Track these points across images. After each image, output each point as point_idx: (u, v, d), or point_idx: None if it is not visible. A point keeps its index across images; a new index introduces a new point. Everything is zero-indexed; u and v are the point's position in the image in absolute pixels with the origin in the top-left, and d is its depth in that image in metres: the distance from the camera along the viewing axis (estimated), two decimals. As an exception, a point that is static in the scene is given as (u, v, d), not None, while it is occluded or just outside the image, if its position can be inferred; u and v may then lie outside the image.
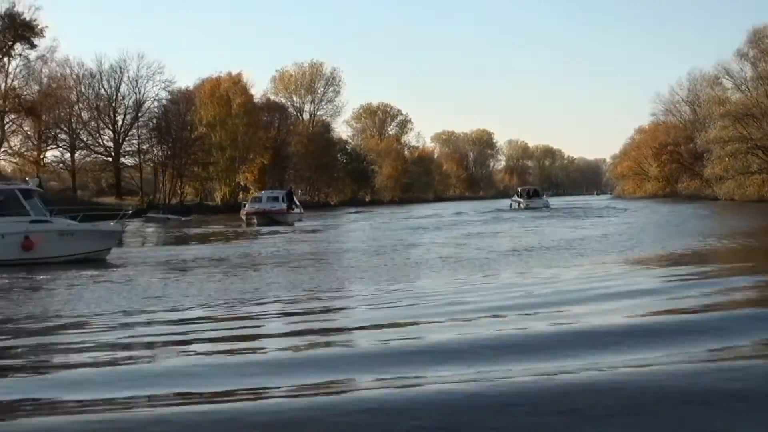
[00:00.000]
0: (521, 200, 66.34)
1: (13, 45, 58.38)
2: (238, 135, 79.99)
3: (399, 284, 13.04)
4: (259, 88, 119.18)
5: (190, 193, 80.00)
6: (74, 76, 70.45)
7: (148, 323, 9.46)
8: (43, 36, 60.00)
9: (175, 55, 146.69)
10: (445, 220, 45.02)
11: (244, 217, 48.58)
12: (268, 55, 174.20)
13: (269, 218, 45.22)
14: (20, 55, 60.43)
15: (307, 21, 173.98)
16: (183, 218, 53.37)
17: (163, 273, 16.73)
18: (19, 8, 57.51)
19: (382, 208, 79.41)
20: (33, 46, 60.21)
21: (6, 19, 57.69)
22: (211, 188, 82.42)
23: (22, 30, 58.20)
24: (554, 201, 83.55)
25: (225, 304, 11.28)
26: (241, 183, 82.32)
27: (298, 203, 53.55)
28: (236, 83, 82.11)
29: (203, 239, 32.36)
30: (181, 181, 76.70)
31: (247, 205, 50.36)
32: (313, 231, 36.93)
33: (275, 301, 11.44)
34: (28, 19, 58.21)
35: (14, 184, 22.03)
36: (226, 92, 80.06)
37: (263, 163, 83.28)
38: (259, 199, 50.21)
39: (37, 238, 19.64)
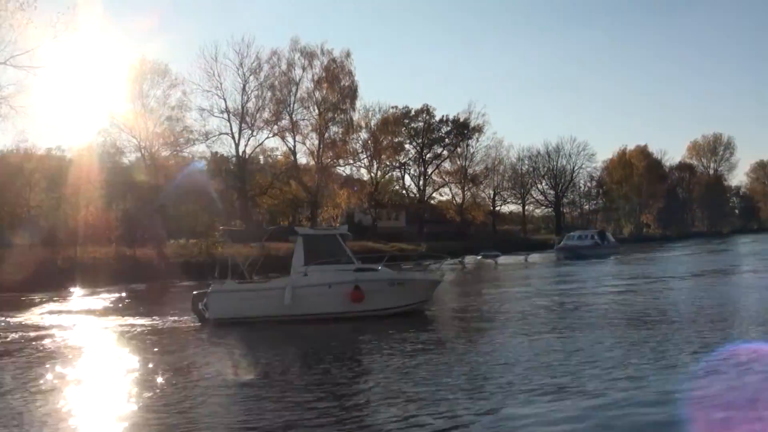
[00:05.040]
0: None
1: (460, 141, 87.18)
2: (641, 188, 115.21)
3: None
4: (673, 154, 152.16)
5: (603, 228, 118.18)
6: (518, 155, 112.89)
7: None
8: (483, 133, 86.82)
9: (594, 130, 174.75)
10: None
11: (555, 253, 55.01)
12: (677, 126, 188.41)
13: (576, 253, 51.24)
14: (467, 144, 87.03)
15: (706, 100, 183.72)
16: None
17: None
18: (469, 117, 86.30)
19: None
20: (468, 139, 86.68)
21: (453, 123, 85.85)
22: (620, 225, 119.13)
23: (464, 130, 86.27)
24: None
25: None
26: (643, 221, 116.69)
27: (611, 240, 61.51)
28: (642, 151, 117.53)
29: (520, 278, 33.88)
30: (597, 220, 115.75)
31: (562, 242, 57.69)
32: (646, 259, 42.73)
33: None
34: (472, 124, 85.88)
35: (334, 230, 20.21)
36: (630, 158, 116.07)
37: (659, 207, 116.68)
38: (571, 237, 58.12)
39: (368, 288, 17.97)
